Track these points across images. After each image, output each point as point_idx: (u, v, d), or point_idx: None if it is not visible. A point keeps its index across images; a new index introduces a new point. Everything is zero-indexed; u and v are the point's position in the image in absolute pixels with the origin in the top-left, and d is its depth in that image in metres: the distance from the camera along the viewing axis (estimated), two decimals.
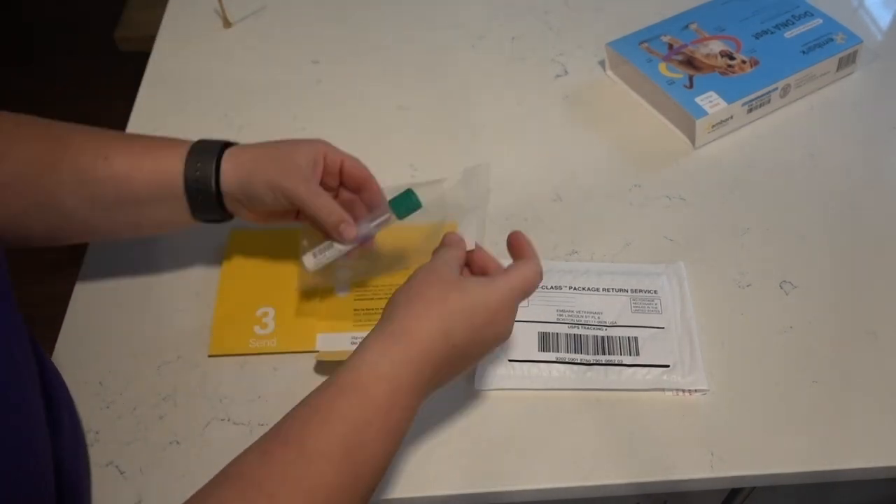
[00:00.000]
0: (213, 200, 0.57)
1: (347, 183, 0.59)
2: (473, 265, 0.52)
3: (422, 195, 0.56)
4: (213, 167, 0.55)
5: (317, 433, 0.41)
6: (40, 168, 0.54)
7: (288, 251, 0.67)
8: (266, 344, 0.62)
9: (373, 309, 0.63)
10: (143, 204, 0.56)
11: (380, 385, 0.43)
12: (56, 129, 0.56)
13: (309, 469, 0.39)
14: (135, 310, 0.65)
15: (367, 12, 0.93)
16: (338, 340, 0.62)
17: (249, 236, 0.69)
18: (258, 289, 0.65)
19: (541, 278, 0.50)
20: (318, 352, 0.61)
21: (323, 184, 0.58)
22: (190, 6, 0.94)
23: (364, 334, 0.51)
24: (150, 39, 0.90)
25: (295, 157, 0.56)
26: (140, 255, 0.69)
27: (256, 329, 0.63)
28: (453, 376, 0.48)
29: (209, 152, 0.56)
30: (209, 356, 0.62)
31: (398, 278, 0.62)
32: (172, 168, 0.55)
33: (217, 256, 0.68)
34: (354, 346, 0.56)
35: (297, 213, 0.59)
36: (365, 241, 0.58)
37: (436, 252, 0.51)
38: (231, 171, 0.56)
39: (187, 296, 0.65)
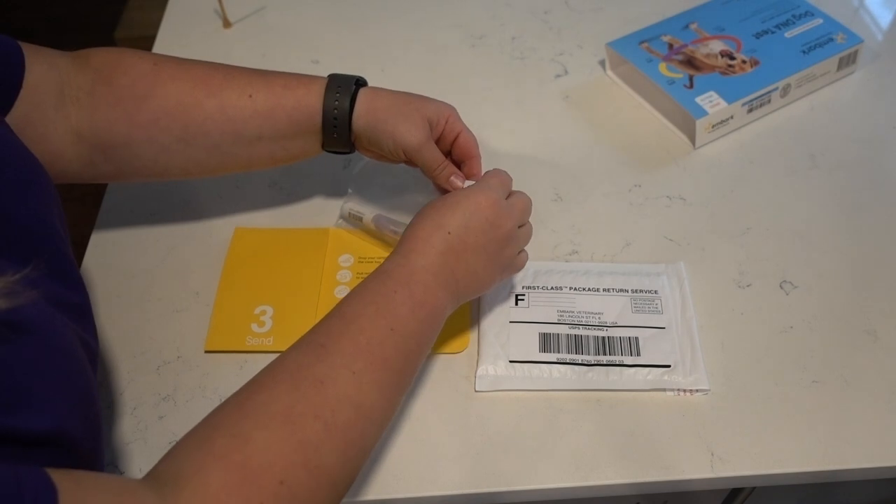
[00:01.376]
0: (346, 135, 0.61)
1: (455, 153, 0.63)
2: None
3: None
4: (349, 104, 0.60)
5: (353, 304, 0.49)
6: (187, 105, 0.58)
7: (290, 250, 0.67)
8: (262, 342, 0.62)
9: None
10: (282, 138, 0.61)
11: (398, 269, 0.51)
12: (196, 70, 0.60)
13: (350, 326, 0.47)
14: (134, 310, 0.65)
15: (367, 12, 0.93)
16: None
17: (253, 234, 0.69)
18: (258, 287, 0.65)
19: (508, 176, 0.58)
20: None
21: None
22: (190, 6, 0.94)
23: None
24: (150, 39, 0.90)
25: (423, 112, 0.60)
26: (140, 255, 0.69)
27: (254, 327, 0.63)
28: (470, 268, 0.53)
29: (345, 89, 0.60)
30: (205, 352, 0.62)
31: None
32: (312, 104, 0.60)
33: (217, 257, 0.68)
34: None
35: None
36: (382, 229, 0.66)
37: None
38: (363, 113, 0.60)
39: (187, 296, 0.65)
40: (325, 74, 0.61)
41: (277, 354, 0.60)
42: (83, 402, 0.41)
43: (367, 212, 0.67)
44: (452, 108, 0.62)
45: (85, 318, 0.46)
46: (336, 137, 0.61)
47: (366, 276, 0.61)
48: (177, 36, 0.91)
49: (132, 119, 0.57)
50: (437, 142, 0.61)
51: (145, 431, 0.57)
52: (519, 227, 0.56)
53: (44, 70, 0.55)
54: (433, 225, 0.52)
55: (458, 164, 0.63)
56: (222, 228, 0.70)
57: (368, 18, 0.92)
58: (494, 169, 0.59)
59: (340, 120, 0.60)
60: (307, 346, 0.47)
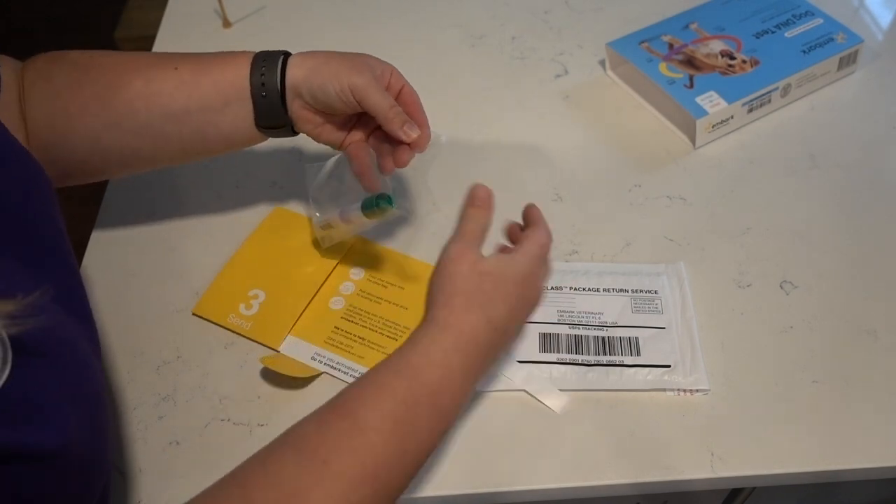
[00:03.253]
0: (278, 102, 0.58)
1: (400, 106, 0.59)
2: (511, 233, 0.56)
3: (397, 205, 0.58)
4: (279, 68, 0.57)
5: (370, 407, 0.43)
6: (115, 86, 0.57)
7: (308, 245, 0.68)
8: (241, 325, 0.62)
9: (352, 334, 0.62)
10: (210, 111, 0.58)
11: (432, 370, 0.45)
12: (132, 56, 0.59)
13: (361, 440, 0.42)
14: (134, 310, 0.65)
15: (367, 12, 0.93)
16: (300, 350, 0.61)
17: (288, 218, 0.70)
18: (263, 269, 0.66)
19: (550, 238, 0.52)
20: (269, 355, 0.61)
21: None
22: (190, 6, 0.94)
23: (330, 355, 0.58)
24: (150, 39, 0.90)
25: (368, 60, 0.57)
26: (139, 255, 0.69)
27: (241, 307, 0.63)
28: (499, 353, 0.50)
29: (273, 57, 0.58)
30: (192, 314, 0.63)
31: (392, 312, 0.63)
32: (239, 72, 0.57)
33: (217, 257, 0.68)
34: (313, 362, 0.59)
35: (353, 126, 0.61)
36: (344, 216, 0.60)
37: (463, 218, 0.52)
38: (298, 71, 0.57)
39: (187, 296, 0.65)
40: None
41: (250, 342, 0.61)
42: (92, 414, 0.40)
43: (333, 214, 0.62)
44: (393, 66, 0.59)
45: (88, 320, 0.46)
46: (266, 103, 0.57)
47: (369, 294, 0.62)
48: (177, 36, 0.91)
49: (67, 109, 0.56)
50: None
51: (145, 431, 0.57)
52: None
53: (10, 75, 0.55)
54: (485, 319, 0.47)
55: None
56: (222, 228, 0.70)
57: (368, 18, 0.92)
58: (541, 230, 0.52)
59: (269, 84, 0.57)
60: (307, 453, 0.42)
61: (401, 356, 0.46)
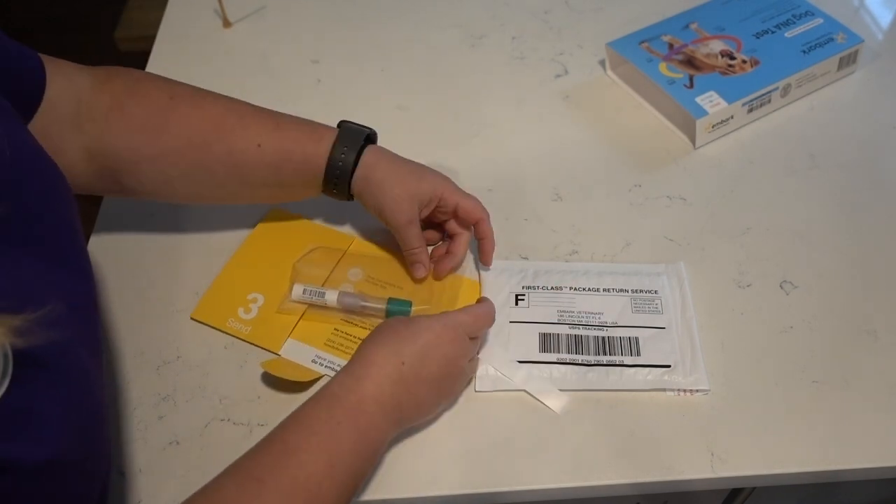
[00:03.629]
0: (345, 191, 0.62)
1: (461, 221, 0.64)
2: None
3: (414, 310, 0.62)
4: (352, 163, 0.61)
5: (296, 432, 0.48)
6: (196, 145, 0.59)
7: (307, 247, 0.67)
8: (241, 329, 0.62)
9: (352, 335, 0.62)
10: (286, 186, 0.63)
11: (347, 396, 0.50)
12: (211, 109, 0.60)
13: (290, 459, 0.46)
14: (134, 310, 0.65)
15: (367, 12, 0.93)
16: (301, 353, 0.61)
17: (284, 219, 0.70)
18: (261, 272, 0.66)
19: (492, 320, 0.57)
20: (270, 359, 0.61)
21: (432, 216, 0.64)
22: (190, 6, 0.94)
23: (330, 357, 0.60)
24: (150, 39, 0.90)
25: (415, 193, 0.61)
26: (139, 255, 0.69)
27: (240, 311, 0.63)
28: (419, 402, 0.53)
29: (354, 144, 0.61)
30: (190, 318, 0.63)
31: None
32: (319, 158, 0.60)
33: (217, 257, 0.68)
34: (314, 365, 0.60)
35: None
36: (349, 311, 0.63)
37: None
38: (360, 178, 0.61)
39: (187, 296, 0.65)
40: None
41: (250, 345, 0.61)
42: (88, 426, 0.41)
43: (329, 292, 0.62)
44: (446, 181, 0.63)
45: (95, 328, 0.46)
46: (336, 192, 0.62)
47: (367, 295, 0.63)
48: (177, 36, 0.91)
49: (141, 151, 0.58)
50: (436, 212, 0.63)
51: (145, 431, 0.57)
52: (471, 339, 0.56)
53: (63, 85, 0.56)
54: (389, 351, 0.51)
55: (467, 228, 0.64)
56: (222, 228, 0.70)
57: (369, 18, 0.92)
58: (478, 304, 0.58)
59: (342, 178, 0.61)
60: (244, 477, 0.45)
61: (323, 389, 0.51)
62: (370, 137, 0.63)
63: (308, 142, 0.61)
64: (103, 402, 0.44)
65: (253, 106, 0.62)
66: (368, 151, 0.61)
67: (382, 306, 0.62)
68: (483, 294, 0.64)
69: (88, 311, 0.46)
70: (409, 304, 0.62)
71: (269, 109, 0.63)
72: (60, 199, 0.47)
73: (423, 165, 0.63)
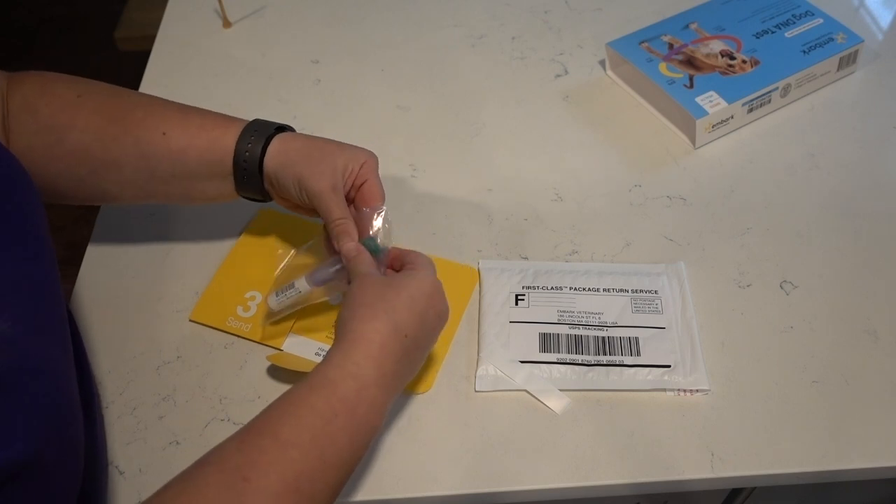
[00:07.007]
0: (256, 180, 0.59)
1: (357, 200, 0.60)
2: (393, 264, 0.57)
3: (382, 242, 0.57)
4: (261, 148, 0.58)
5: (288, 424, 0.44)
6: (103, 139, 0.57)
7: (301, 243, 0.67)
8: (241, 327, 0.62)
9: None
10: (195, 178, 0.59)
11: (346, 382, 0.46)
12: (116, 101, 0.59)
13: (280, 455, 0.43)
14: (135, 309, 0.65)
15: (367, 12, 0.93)
16: (303, 346, 0.61)
17: (275, 218, 0.70)
18: (257, 271, 0.66)
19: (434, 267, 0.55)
20: (275, 353, 0.61)
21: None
22: (190, 6, 0.94)
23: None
24: (150, 39, 0.90)
25: (335, 160, 0.57)
26: (139, 255, 0.69)
27: (239, 310, 0.63)
28: (414, 367, 0.51)
29: (262, 133, 0.58)
30: (189, 320, 0.63)
31: None
32: (225, 146, 0.58)
33: (217, 257, 0.68)
34: (318, 358, 0.58)
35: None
36: (322, 283, 0.58)
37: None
38: (273, 155, 0.58)
39: (187, 296, 0.65)
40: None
41: (250, 342, 0.61)
42: (57, 428, 0.40)
43: (297, 281, 0.59)
44: (370, 156, 0.59)
45: (63, 328, 0.45)
46: (247, 181, 0.59)
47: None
48: (177, 36, 0.91)
49: (50, 151, 0.57)
50: (346, 188, 0.59)
51: (145, 431, 0.57)
52: None
53: None
54: (390, 327, 0.48)
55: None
56: (222, 228, 0.70)
57: (368, 18, 0.92)
58: (417, 252, 0.56)
59: (251, 164, 0.58)
60: (230, 474, 0.42)
61: (317, 373, 0.47)
62: (283, 128, 0.60)
63: (214, 128, 0.58)
64: (75, 408, 0.43)
65: (164, 100, 0.61)
66: (279, 137, 0.59)
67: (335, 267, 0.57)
68: (483, 294, 0.63)
69: (50, 314, 0.45)
70: (367, 241, 0.57)
71: (180, 103, 0.61)
72: (21, 197, 0.46)
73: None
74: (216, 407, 0.58)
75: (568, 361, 0.59)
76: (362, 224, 0.58)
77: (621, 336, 0.60)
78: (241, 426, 0.56)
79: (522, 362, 0.59)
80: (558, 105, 0.81)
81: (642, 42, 0.81)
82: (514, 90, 0.83)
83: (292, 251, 0.67)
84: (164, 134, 0.57)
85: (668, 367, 0.59)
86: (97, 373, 0.61)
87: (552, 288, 0.63)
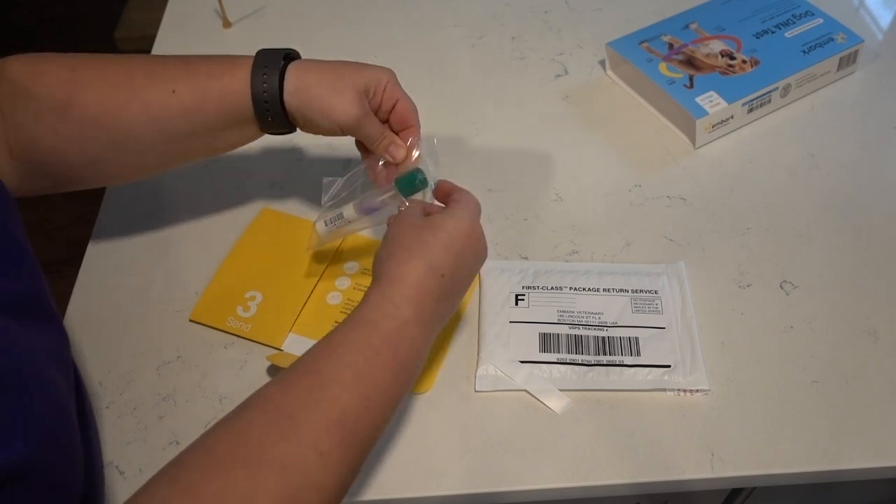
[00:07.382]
0: (281, 117, 0.57)
1: (393, 122, 0.59)
2: (441, 196, 0.57)
3: (429, 174, 0.56)
4: (278, 84, 0.55)
5: (330, 362, 0.45)
6: (110, 111, 0.55)
7: (302, 243, 0.67)
8: (241, 327, 0.62)
9: None
10: (216, 130, 0.57)
11: (386, 321, 0.46)
12: (115, 70, 0.56)
13: (323, 392, 0.43)
14: (135, 310, 0.65)
15: (367, 12, 0.93)
16: (304, 346, 0.60)
17: (276, 218, 0.70)
18: (257, 271, 0.66)
19: (477, 202, 0.54)
20: (275, 353, 0.61)
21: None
22: (190, 6, 0.94)
23: None
24: (150, 39, 0.90)
25: (356, 85, 0.55)
26: (139, 255, 0.69)
27: (239, 309, 0.63)
28: (453, 304, 0.52)
29: (272, 67, 0.55)
30: (189, 320, 0.63)
31: None
32: (240, 91, 0.55)
33: (216, 257, 0.68)
34: None
35: None
36: (370, 212, 0.58)
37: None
38: (293, 91, 0.55)
39: (187, 295, 0.65)
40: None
41: (250, 342, 0.61)
42: (58, 428, 0.40)
43: (345, 208, 0.59)
44: (390, 73, 0.58)
45: (51, 327, 0.45)
46: (272, 121, 0.57)
47: (365, 287, 0.61)
48: (177, 36, 0.91)
49: (57, 132, 0.54)
50: (376, 111, 0.58)
51: (145, 431, 0.57)
52: None
53: None
54: (426, 266, 0.48)
55: (397, 132, 0.59)
56: (222, 228, 0.70)
57: (368, 18, 0.92)
58: (467, 192, 0.55)
59: (272, 103, 0.55)
60: (274, 413, 0.42)
61: (356, 313, 0.47)
62: (290, 55, 0.57)
63: (223, 74, 0.55)
64: (67, 410, 0.43)
65: (160, 56, 0.58)
66: (292, 66, 0.56)
67: (395, 191, 0.57)
68: (483, 294, 0.63)
69: (38, 316, 0.44)
70: (416, 173, 0.56)
71: (176, 55, 0.58)
72: None
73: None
74: (216, 407, 0.58)
75: (568, 361, 0.59)
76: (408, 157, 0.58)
77: (621, 336, 0.60)
78: None
79: (522, 362, 0.59)
80: (558, 105, 0.81)
81: (642, 42, 0.81)
82: (514, 90, 0.83)
83: (338, 180, 0.63)
84: (173, 92, 0.55)
85: (668, 367, 0.59)
86: (97, 373, 0.61)
87: (552, 288, 0.63)
